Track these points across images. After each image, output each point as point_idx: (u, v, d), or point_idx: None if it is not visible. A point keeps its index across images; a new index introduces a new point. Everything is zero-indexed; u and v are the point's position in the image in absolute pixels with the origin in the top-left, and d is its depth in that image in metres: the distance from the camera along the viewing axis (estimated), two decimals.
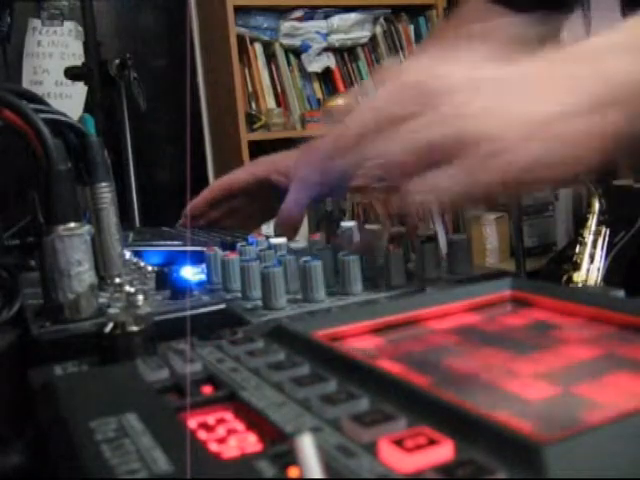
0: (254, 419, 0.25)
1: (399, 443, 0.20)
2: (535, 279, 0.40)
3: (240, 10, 2.42)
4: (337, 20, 2.60)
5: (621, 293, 0.34)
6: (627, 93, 0.39)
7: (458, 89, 0.40)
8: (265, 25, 2.53)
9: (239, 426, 0.25)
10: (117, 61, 1.76)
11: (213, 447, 0.23)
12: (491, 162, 0.38)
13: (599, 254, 1.71)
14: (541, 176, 0.39)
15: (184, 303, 0.41)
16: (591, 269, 1.71)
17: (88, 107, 2.13)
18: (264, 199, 0.76)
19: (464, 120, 0.39)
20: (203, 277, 0.49)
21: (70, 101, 2.31)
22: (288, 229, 0.56)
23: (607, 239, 1.71)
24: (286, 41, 2.56)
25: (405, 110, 0.41)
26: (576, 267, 1.73)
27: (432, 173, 0.40)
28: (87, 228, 0.41)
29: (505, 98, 0.40)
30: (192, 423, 0.25)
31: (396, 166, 0.40)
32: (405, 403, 0.24)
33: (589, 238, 1.73)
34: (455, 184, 0.39)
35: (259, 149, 2.33)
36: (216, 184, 0.81)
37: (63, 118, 0.46)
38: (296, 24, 2.55)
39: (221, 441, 0.23)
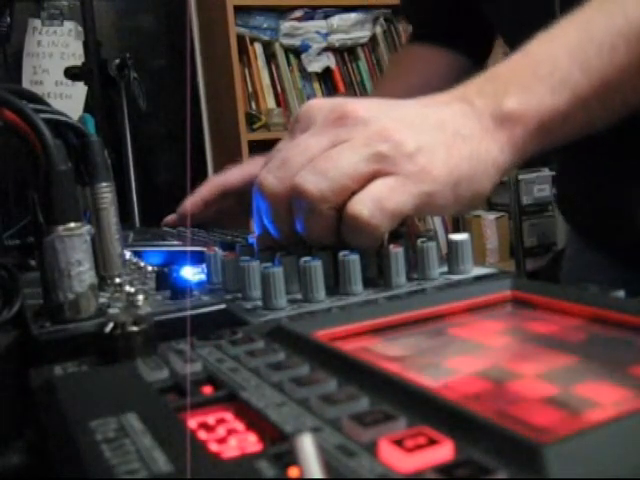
0: (254, 419, 0.25)
1: (399, 443, 0.20)
2: (535, 279, 0.41)
3: (240, 10, 2.42)
4: (337, 20, 2.60)
5: (621, 293, 0.34)
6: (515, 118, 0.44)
7: (371, 115, 0.43)
8: (265, 25, 2.53)
9: (239, 426, 0.25)
10: (117, 61, 1.76)
11: (213, 447, 0.23)
12: (424, 173, 0.42)
13: None
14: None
15: (184, 303, 0.41)
16: None
17: (88, 107, 2.13)
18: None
19: (394, 136, 0.42)
20: (203, 277, 0.49)
21: (70, 101, 2.32)
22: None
23: None
24: (286, 41, 2.56)
25: (331, 139, 0.42)
26: None
27: (372, 185, 0.41)
28: (87, 228, 0.41)
29: (421, 133, 0.43)
30: (192, 423, 0.25)
31: (341, 190, 0.41)
32: (405, 403, 0.24)
33: None
34: (400, 194, 0.41)
35: (259, 149, 2.34)
36: (212, 183, 0.81)
37: (63, 118, 0.46)
38: (296, 24, 2.55)
39: (221, 441, 0.23)
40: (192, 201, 0.79)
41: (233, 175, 0.80)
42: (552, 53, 0.46)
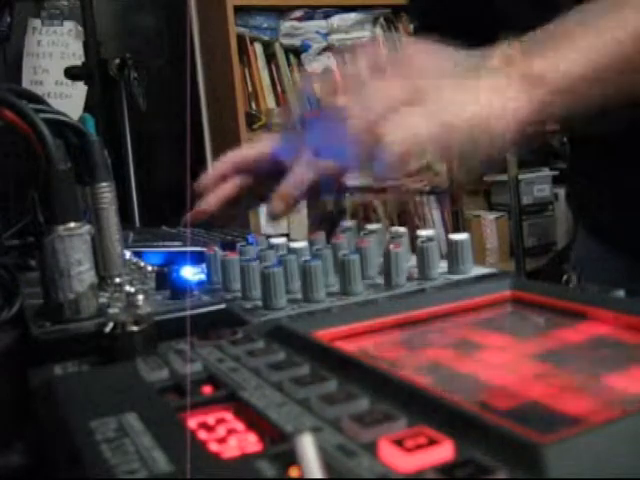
0: (254, 419, 0.25)
1: (399, 443, 0.20)
2: (535, 279, 0.41)
3: (240, 10, 2.42)
4: (337, 20, 2.60)
5: (621, 293, 0.34)
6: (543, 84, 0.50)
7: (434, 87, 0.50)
8: (265, 25, 2.53)
9: (239, 426, 0.25)
10: (117, 61, 1.76)
11: (213, 447, 0.23)
12: (448, 108, 0.48)
13: None
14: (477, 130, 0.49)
15: (184, 303, 0.41)
16: None
17: (88, 107, 2.13)
18: (271, 179, 0.76)
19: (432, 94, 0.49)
20: (203, 277, 0.49)
21: (70, 101, 2.31)
22: (281, 206, 0.59)
23: None
24: (286, 41, 2.56)
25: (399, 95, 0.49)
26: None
27: (402, 112, 0.48)
28: (87, 228, 0.41)
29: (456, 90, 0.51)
30: (192, 423, 0.25)
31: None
32: (405, 403, 0.24)
33: None
34: (423, 120, 0.47)
35: None
36: (227, 157, 0.80)
37: (63, 118, 0.46)
38: (296, 24, 2.55)
39: (221, 441, 0.23)
40: (210, 176, 0.78)
41: (247, 151, 0.79)
42: (584, 28, 0.52)
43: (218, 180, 0.78)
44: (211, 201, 0.77)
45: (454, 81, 0.50)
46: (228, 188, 0.78)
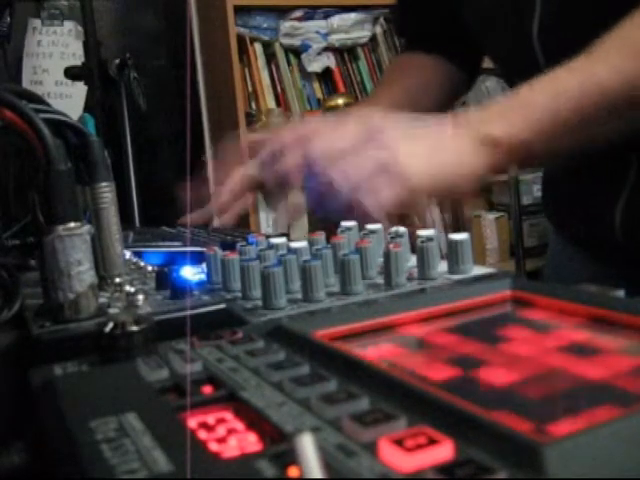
0: (254, 419, 0.25)
1: (399, 443, 0.20)
2: (535, 279, 0.41)
3: (240, 10, 2.42)
4: (337, 20, 2.60)
5: (621, 293, 0.34)
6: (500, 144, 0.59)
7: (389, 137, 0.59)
8: (265, 25, 2.53)
9: (239, 426, 0.25)
10: (117, 61, 1.76)
11: (213, 447, 0.23)
12: (413, 172, 0.57)
13: None
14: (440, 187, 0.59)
15: (184, 303, 0.41)
16: None
17: (88, 107, 2.13)
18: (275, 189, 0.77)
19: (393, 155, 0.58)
20: (203, 277, 0.49)
21: (70, 101, 2.31)
22: (288, 217, 0.69)
23: None
24: (286, 41, 2.56)
25: (360, 146, 0.58)
26: None
27: (376, 185, 0.56)
28: (87, 228, 0.41)
29: (417, 144, 0.60)
30: (192, 423, 0.25)
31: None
32: (405, 403, 0.24)
33: None
34: (392, 190, 0.56)
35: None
36: (236, 175, 0.80)
37: (63, 118, 0.46)
38: (296, 24, 2.55)
39: (221, 441, 0.23)
40: (224, 194, 0.79)
41: (253, 169, 0.80)
42: (532, 100, 0.61)
43: (231, 198, 0.79)
44: (227, 219, 0.78)
45: (417, 143, 0.59)
46: (241, 205, 0.79)
